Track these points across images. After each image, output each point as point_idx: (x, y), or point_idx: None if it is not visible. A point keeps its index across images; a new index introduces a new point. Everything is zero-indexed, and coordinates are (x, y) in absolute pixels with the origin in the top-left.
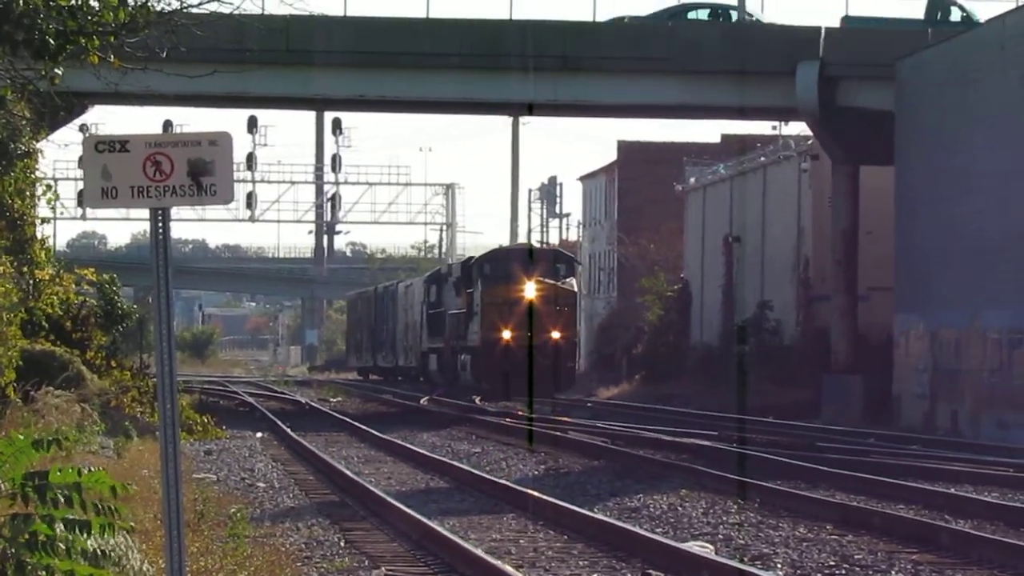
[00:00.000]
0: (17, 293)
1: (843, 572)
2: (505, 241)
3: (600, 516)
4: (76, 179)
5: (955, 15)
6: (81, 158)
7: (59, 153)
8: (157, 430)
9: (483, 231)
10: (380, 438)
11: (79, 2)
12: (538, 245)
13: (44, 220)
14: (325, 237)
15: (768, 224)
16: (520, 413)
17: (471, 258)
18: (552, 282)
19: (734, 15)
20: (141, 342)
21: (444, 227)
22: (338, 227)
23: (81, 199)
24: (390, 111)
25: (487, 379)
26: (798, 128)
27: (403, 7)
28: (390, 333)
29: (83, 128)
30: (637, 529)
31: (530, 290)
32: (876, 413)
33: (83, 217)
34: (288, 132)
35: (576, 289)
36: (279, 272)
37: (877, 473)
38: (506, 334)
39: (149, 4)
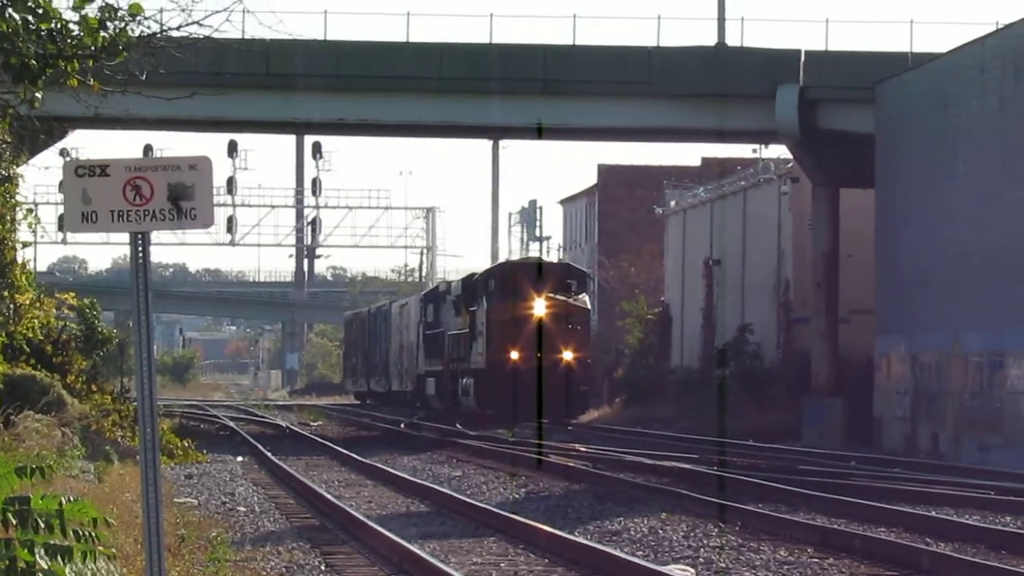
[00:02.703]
0: None
1: None
2: (486, 264)
3: (581, 539)
4: (57, 203)
5: None
6: (61, 182)
7: (40, 177)
8: (138, 454)
9: (463, 254)
10: (361, 462)
11: (59, 25)
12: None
13: (25, 244)
14: (305, 261)
15: (748, 247)
16: (507, 437)
17: (473, 274)
18: (563, 298)
19: None
20: (122, 366)
21: (424, 250)
22: (318, 251)
23: (62, 223)
24: (370, 135)
25: (492, 404)
26: (778, 151)
27: (383, 31)
28: (383, 356)
29: (63, 152)
30: (618, 552)
31: (540, 307)
32: (857, 436)
33: (64, 241)
34: (268, 156)
35: (589, 306)
36: (259, 296)
37: (858, 496)
38: (514, 355)
39: (128, 27)
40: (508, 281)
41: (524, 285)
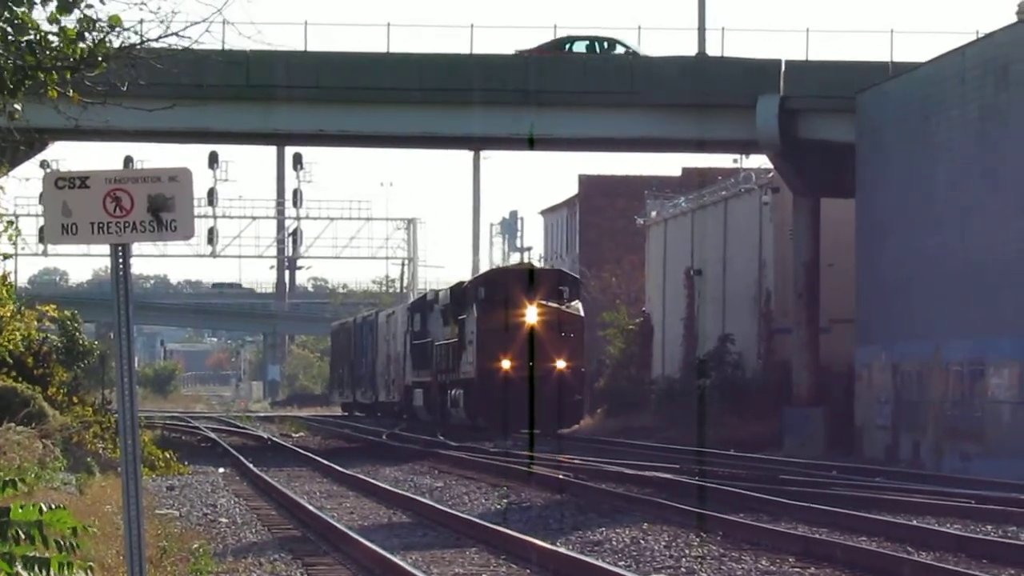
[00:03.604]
0: None
1: None
2: (467, 276)
3: (563, 550)
4: (37, 215)
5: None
6: (42, 194)
7: (20, 189)
8: (119, 466)
9: (444, 265)
10: (342, 473)
11: (37, 37)
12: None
13: (5, 256)
14: (287, 272)
15: (729, 257)
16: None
17: (463, 282)
18: (556, 306)
19: (619, 48)
20: (103, 378)
21: (405, 261)
22: (300, 262)
23: (42, 235)
24: (351, 146)
25: (484, 414)
26: (759, 161)
27: (364, 42)
28: (370, 366)
29: (44, 164)
30: (600, 563)
31: (531, 315)
32: (838, 445)
33: (44, 253)
34: (249, 167)
35: (582, 313)
36: (241, 307)
37: (839, 505)
38: (505, 364)
39: (107, 39)
40: (499, 288)
41: (515, 292)
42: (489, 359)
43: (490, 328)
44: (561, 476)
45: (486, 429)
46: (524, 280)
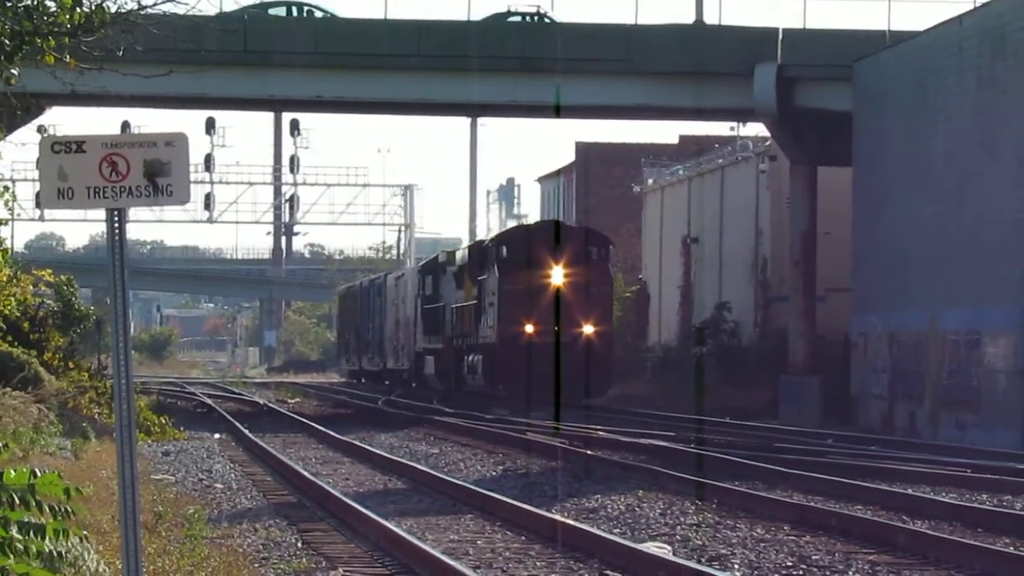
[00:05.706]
0: None
1: (800, 573)
2: (465, 242)
3: (558, 517)
4: (34, 180)
5: None
6: (38, 159)
7: (17, 154)
8: (114, 431)
9: (441, 232)
10: (338, 439)
11: (35, 2)
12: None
13: (2, 221)
14: (283, 238)
15: (726, 225)
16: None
17: (482, 240)
18: (583, 267)
19: (317, 12)
20: (99, 343)
21: (402, 228)
22: (296, 228)
23: (39, 200)
24: (348, 112)
25: (505, 382)
26: (756, 129)
27: (362, 8)
28: (377, 332)
29: (41, 129)
30: (595, 530)
31: (557, 276)
32: (834, 414)
33: (41, 218)
34: (246, 133)
35: (612, 275)
36: (237, 273)
37: (835, 474)
38: (529, 328)
39: (104, 4)
40: (522, 247)
41: (540, 251)
42: (511, 323)
43: (513, 289)
44: (556, 443)
45: (507, 398)
46: (549, 238)
